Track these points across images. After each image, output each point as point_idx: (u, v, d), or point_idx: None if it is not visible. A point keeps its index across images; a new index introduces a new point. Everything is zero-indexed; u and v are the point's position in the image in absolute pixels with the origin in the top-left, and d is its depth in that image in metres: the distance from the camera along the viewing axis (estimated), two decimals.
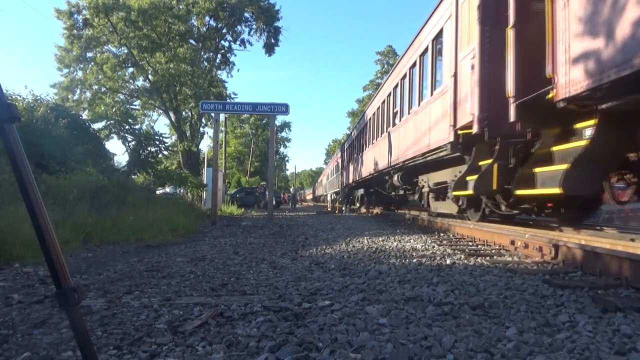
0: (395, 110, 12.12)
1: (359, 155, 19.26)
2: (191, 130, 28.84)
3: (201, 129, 30.13)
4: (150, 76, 26.43)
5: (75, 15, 24.81)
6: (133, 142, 13.83)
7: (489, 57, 5.98)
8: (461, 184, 6.87)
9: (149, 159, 13.87)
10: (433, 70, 8.67)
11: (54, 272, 1.13)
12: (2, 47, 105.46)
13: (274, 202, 19.94)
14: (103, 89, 26.41)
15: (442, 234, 7.25)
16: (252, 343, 1.96)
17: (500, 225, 6.76)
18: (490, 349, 1.83)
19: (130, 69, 27.52)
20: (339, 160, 28.59)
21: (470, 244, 5.86)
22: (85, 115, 16.58)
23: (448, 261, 4.26)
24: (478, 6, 6.13)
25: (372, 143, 15.74)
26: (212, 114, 17.57)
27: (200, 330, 2.20)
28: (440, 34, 8.06)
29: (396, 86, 11.97)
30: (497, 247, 5.27)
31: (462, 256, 4.58)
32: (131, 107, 26.78)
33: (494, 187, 5.93)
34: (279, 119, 42.85)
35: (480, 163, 6.56)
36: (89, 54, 26.24)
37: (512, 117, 5.12)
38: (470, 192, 6.50)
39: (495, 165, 5.97)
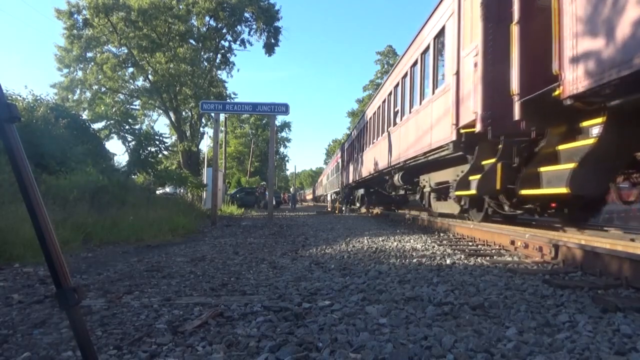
0: (396, 110, 12.05)
1: (359, 155, 19.24)
2: (191, 130, 28.85)
3: (201, 129, 30.19)
4: (150, 76, 26.43)
5: (75, 15, 24.84)
6: (133, 142, 13.83)
7: (492, 55, 5.88)
8: (463, 183, 6.79)
9: (149, 159, 13.86)
10: (435, 69, 8.59)
11: (54, 272, 1.13)
12: (2, 47, 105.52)
13: (274, 202, 19.94)
14: (103, 89, 26.42)
15: (442, 234, 7.25)
16: (252, 343, 1.96)
17: (500, 225, 6.75)
18: (490, 349, 1.83)
19: (130, 69, 27.55)
20: (339, 160, 28.59)
21: (470, 244, 5.86)
22: (85, 115, 16.61)
23: (448, 261, 4.26)
24: (481, 3, 6.02)
25: (373, 143, 15.69)
26: (212, 114, 17.57)
27: (200, 330, 2.20)
28: (442, 31, 7.98)
29: (397, 85, 11.89)
30: (497, 247, 5.27)
31: (462, 256, 4.58)
32: (131, 107, 26.81)
33: (498, 186, 5.84)
34: (279, 119, 42.88)
35: (483, 162, 6.48)
36: (89, 54, 26.26)
37: (516, 115, 5.03)
38: (473, 192, 6.41)
39: (499, 165, 5.87)
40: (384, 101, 13.75)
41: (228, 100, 27.73)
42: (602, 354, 1.78)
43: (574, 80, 4.11)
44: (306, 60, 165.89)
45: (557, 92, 4.35)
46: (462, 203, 7.90)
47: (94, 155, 12.07)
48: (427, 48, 8.97)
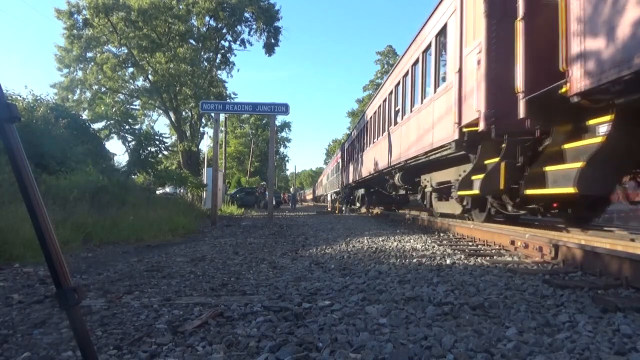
0: (396, 109, 11.97)
1: (359, 155, 19.22)
2: (191, 130, 28.85)
3: (201, 129, 30.19)
4: (150, 76, 26.44)
5: (75, 15, 24.84)
6: (133, 142, 13.84)
7: (496, 52, 5.80)
8: (466, 183, 6.71)
9: (149, 159, 13.87)
10: (437, 67, 8.51)
11: (54, 272, 1.13)
12: (2, 47, 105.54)
13: (274, 202, 19.94)
14: (103, 89, 26.43)
15: (442, 234, 7.24)
16: (252, 343, 1.96)
17: (500, 225, 6.73)
18: (490, 349, 1.83)
19: (130, 69, 27.55)
20: (339, 160, 28.59)
21: (470, 244, 5.86)
22: (85, 115, 16.62)
23: (448, 261, 4.26)
24: None
25: (373, 142, 15.63)
26: (212, 114, 17.57)
27: (200, 330, 2.20)
28: (444, 29, 7.90)
29: (398, 84, 11.80)
30: (497, 247, 5.26)
31: (462, 256, 4.58)
32: (131, 107, 26.82)
33: (501, 186, 5.76)
34: (279, 119, 42.89)
35: (486, 162, 6.41)
36: (89, 54, 26.27)
37: (521, 113, 4.94)
38: (476, 191, 6.33)
39: (503, 164, 5.79)
40: (384, 100, 13.68)
41: (228, 100, 27.74)
42: (602, 354, 1.78)
43: (581, 76, 4.01)
44: (306, 60, 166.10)
45: (563, 90, 4.25)
46: (465, 203, 7.82)
47: (94, 155, 12.07)
48: (429, 46, 8.89)
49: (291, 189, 49.68)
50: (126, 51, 25.97)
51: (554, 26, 4.47)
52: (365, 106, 22.96)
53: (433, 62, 8.65)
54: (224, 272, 3.95)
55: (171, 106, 27.28)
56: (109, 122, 13.83)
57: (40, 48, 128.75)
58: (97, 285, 3.35)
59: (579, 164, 4.30)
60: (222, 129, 29.29)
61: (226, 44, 29.16)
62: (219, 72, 29.74)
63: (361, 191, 21.14)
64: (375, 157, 15.11)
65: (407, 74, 10.78)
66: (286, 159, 71.40)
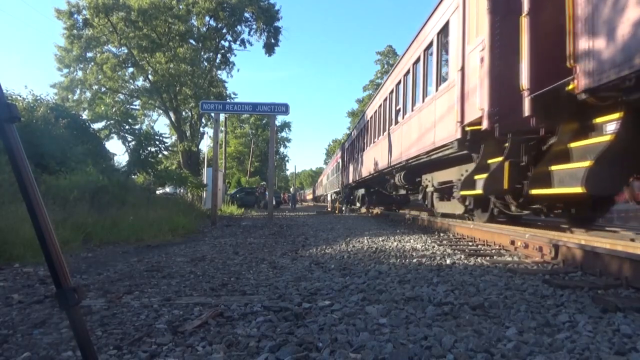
0: (397, 108, 11.88)
1: (359, 155, 19.19)
2: (191, 130, 28.85)
3: (201, 129, 30.19)
4: (150, 76, 26.44)
5: (75, 15, 24.85)
6: (133, 142, 13.84)
7: (499, 49, 5.67)
8: (469, 183, 6.61)
9: (149, 159, 13.87)
10: (438, 65, 8.42)
11: (54, 272, 1.13)
12: (2, 47, 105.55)
13: (274, 202, 19.94)
14: (103, 89, 26.43)
15: (442, 234, 7.24)
16: (252, 343, 1.96)
17: (500, 225, 6.72)
18: (490, 349, 1.83)
19: (130, 69, 27.56)
20: (339, 160, 28.59)
21: (470, 244, 5.86)
22: (85, 115, 16.62)
23: (448, 261, 4.26)
24: None
25: (374, 142, 15.58)
26: (212, 114, 17.56)
27: (200, 330, 2.20)
28: (446, 26, 7.81)
29: (399, 83, 11.71)
30: (497, 247, 5.26)
31: (462, 256, 4.57)
32: (131, 107, 26.82)
33: (505, 186, 5.66)
34: (279, 119, 42.90)
35: (489, 161, 6.31)
36: (89, 54, 26.27)
37: (526, 111, 4.83)
38: (479, 191, 6.22)
39: (507, 163, 5.68)
40: (385, 99, 13.61)
41: (228, 100, 27.74)
42: (602, 354, 1.78)
43: (589, 73, 3.89)
44: (306, 60, 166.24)
45: (570, 87, 4.14)
46: (467, 203, 7.74)
47: (94, 155, 12.08)
48: (430, 44, 8.80)
49: (291, 189, 49.71)
50: (126, 51, 25.97)
51: (560, 22, 4.34)
52: (366, 106, 22.94)
53: (435, 61, 8.54)
54: (224, 272, 3.95)
55: (171, 106, 27.29)
56: (109, 122, 13.83)
57: (40, 48, 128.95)
58: (97, 285, 3.35)
59: (586, 163, 4.18)
60: (222, 129, 29.30)
61: (226, 44, 29.21)
62: (219, 72, 29.79)
63: (361, 191, 21.14)
64: (375, 157, 15.07)
65: (408, 72, 10.68)
66: (286, 159, 71.52)
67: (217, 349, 1.91)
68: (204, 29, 27.57)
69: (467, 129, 6.66)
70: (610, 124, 4.29)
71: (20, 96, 11.25)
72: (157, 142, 14.18)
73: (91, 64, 26.21)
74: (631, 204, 5.10)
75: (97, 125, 13.88)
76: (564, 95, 4.29)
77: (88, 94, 26.74)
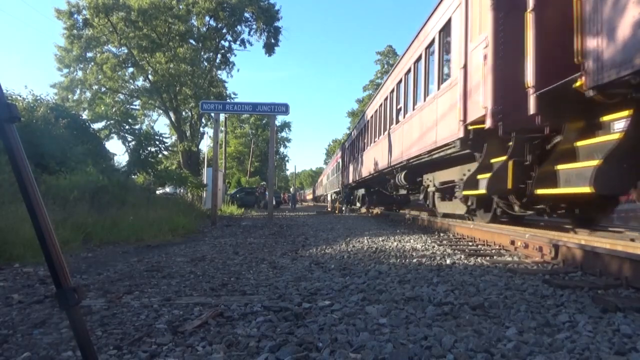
0: (398, 107, 11.79)
1: (360, 155, 19.16)
2: (191, 130, 28.86)
3: (201, 129, 30.21)
4: (150, 76, 26.45)
5: (75, 15, 24.86)
6: (133, 142, 13.84)
7: (503, 46, 5.56)
8: (471, 183, 6.53)
9: (149, 159, 13.87)
10: (440, 63, 8.29)
11: (54, 272, 1.13)
12: (2, 47, 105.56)
13: (274, 202, 19.94)
14: (103, 89, 26.44)
15: (442, 234, 7.24)
16: (252, 343, 1.97)
17: (500, 225, 6.71)
18: (490, 349, 1.83)
19: (130, 69, 27.57)
20: (339, 160, 28.59)
21: (470, 244, 5.85)
22: (85, 115, 16.62)
23: (448, 261, 4.26)
24: None
25: (374, 142, 15.52)
26: (212, 114, 17.56)
27: (200, 330, 2.20)
28: (448, 24, 7.69)
29: (399, 82, 11.61)
30: (497, 247, 5.26)
31: (462, 256, 4.58)
32: (131, 107, 26.84)
33: (509, 186, 5.56)
34: (279, 119, 42.90)
35: (492, 160, 6.22)
36: (89, 54, 26.29)
37: (531, 109, 4.72)
38: (482, 191, 6.13)
39: (511, 163, 5.60)
40: (385, 99, 13.53)
41: (228, 100, 27.74)
42: (602, 354, 1.78)
43: (598, 69, 3.78)
44: (306, 60, 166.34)
45: (578, 83, 4.04)
46: (469, 203, 7.66)
47: (94, 155, 12.08)
48: (432, 42, 8.71)
49: (291, 189, 49.71)
50: (126, 51, 25.98)
51: (566, 17, 4.25)
52: (366, 106, 22.92)
53: (437, 59, 8.45)
54: (224, 272, 3.95)
55: (171, 106, 27.29)
56: (109, 122, 13.83)
57: (40, 48, 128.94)
58: (97, 285, 3.35)
59: (594, 162, 4.08)
60: (222, 129, 29.30)
61: (226, 44, 29.22)
62: (219, 72, 29.81)
63: (361, 191, 21.14)
64: (376, 157, 15.04)
65: (409, 71, 10.60)
66: (286, 159, 71.55)
67: (217, 349, 1.91)
68: (204, 29, 27.58)
69: (470, 127, 6.57)
70: (618, 122, 4.21)
71: (20, 96, 11.26)
72: (157, 142, 14.19)
73: (91, 64, 26.22)
74: (638, 203, 5.02)
75: (97, 125, 13.91)
76: (571, 92, 4.18)
77: (88, 94, 26.78)
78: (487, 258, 4.41)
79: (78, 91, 27.27)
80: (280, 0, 65.19)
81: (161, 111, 29.63)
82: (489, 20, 5.77)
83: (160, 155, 15.18)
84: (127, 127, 14.08)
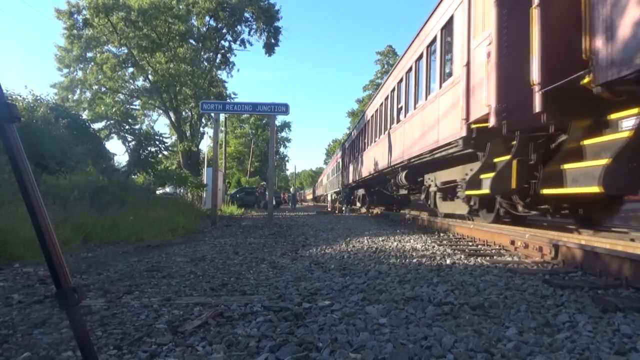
0: (399, 106, 11.70)
1: (360, 155, 19.13)
2: (191, 130, 28.87)
3: (201, 129, 30.23)
4: (150, 76, 26.46)
5: (75, 15, 24.87)
6: (133, 142, 13.84)
7: (507, 43, 5.45)
8: (474, 182, 6.45)
9: (149, 159, 13.87)
10: (442, 61, 8.20)
11: (54, 272, 1.13)
12: (2, 47, 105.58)
13: (274, 202, 19.94)
14: (103, 89, 26.45)
15: (442, 234, 7.24)
16: (252, 343, 1.97)
17: (500, 225, 6.71)
18: (490, 349, 1.83)
19: (130, 69, 27.59)
20: (340, 160, 28.58)
21: (470, 244, 5.85)
22: (85, 115, 16.64)
23: (448, 261, 4.26)
24: None
25: (374, 141, 15.47)
26: (212, 114, 17.56)
27: (200, 330, 2.20)
28: (450, 21, 7.60)
29: (400, 80, 11.52)
30: (497, 247, 5.26)
31: (462, 256, 4.57)
32: (131, 107, 26.84)
33: (513, 185, 5.48)
34: (279, 119, 42.91)
35: (496, 160, 6.15)
36: (89, 54, 26.31)
37: (537, 107, 4.63)
38: (486, 191, 6.04)
39: (515, 162, 5.50)
40: (386, 98, 13.44)
41: (228, 100, 27.75)
42: (602, 354, 1.78)
43: (607, 65, 3.69)
44: (306, 60, 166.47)
45: (586, 80, 3.95)
46: (472, 203, 7.58)
47: (94, 155, 12.08)
48: (434, 40, 8.64)
49: (291, 189, 49.72)
50: (126, 51, 25.99)
51: (572, 13, 4.18)
52: (366, 106, 22.90)
53: (438, 57, 8.37)
54: (224, 272, 3.95)
55: (171, 106, 27.30)
56: (109, 122, 13.84)
57: (41, 48, 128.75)
58: (97, 285, 3.35)
59: (603, 161, 3.98)
60: (222, 129, 29.30)
61: (226, 44, 29.24)
62: (219, 72, 29.83)
63: (361, 191, 21.13)
64: (376, 157, 14.99)
65: (410, 70, 10.51)
66: (286, 159, 71.57)
67: (217, 349, 1.91)
68: (204, 29, 27.59)
69: (473, 126, 6.48)
70: (627, 119, 4.13)
71: (20, 96, 11.27)
72: (157, 142, 14.19)
73: (91, 64, 26.23)
74: None
75: (97, 125, 13.92)
76: (578, 90, 4.11)
77: (88, 94, 26.80)
78: (487, 258, 4.41)
79: (78, 91, 27.32)
80: (280, 0, 65.29)
81: (161, 111, 29.65)
82: (492, 16, 5.66)
83: (160, 155, 15.18)
84: (127, 127, 14.08)
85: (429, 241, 6.13)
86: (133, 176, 13.78)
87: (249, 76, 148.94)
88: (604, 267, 3.29)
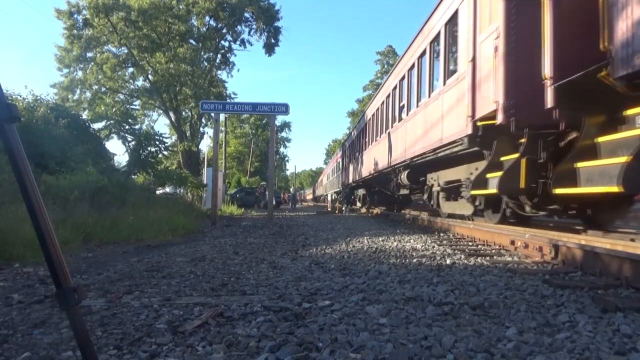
0: (401, 104, 11.51)
1: (360, 154, 19.07)
2: (191, 130, 28.89)
3: (201, 129, 30.26)
4: (150, 76, 26.47)
5: (75, 15, 24.89)
6: (133, 142, 13.84)
7: (516, 36, 5.24)
8: (480, 182, 6.26)
9: (149, 159, 13.87)
10: (446, 57, 7.97)
11: (54, 272, 1.13)
12: (2, 47, 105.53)
13: (274, 202, 19.94)
14: (103, 89, 26.47)
15: (442, 234, 7.24)
16: (252, 343, 1.96)
17: (500, 225, 6.70)
18: (490, 349, 1.83)
19: (130, 69, 27.61)
20: (340, 160, 28.57)
21: (470, 244, 5.85)
22: (85, 115, 16.64)
23: (448, 261, 4.26)
24: None
25: (375, 141, 15.33)
26: (212, 114, 17.56)
27: (200, 330, 2.20)
28: (454, 16, 7.39)
29: (402, 78, 11.34)
30: (497, 247, 5.26)
31: (462, 256, 4.57)
32: (131, 107, 26.84)
33: (522, 185, 5.29)
34: (279, 119, 42.92)
35: (502, 159, 5.94)
36: (89, 54, 26.33)
37: (549, 102, 4.43)
38: (493, 190, 5.85)
39: (524, 161, 5.31)
40: (387, 96, 13.24)
41: (228, 100, 27.75)
42: (602, 354, 1.78)
43: (628, 56, 3.48)
44: (306, 60, 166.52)
45: (603, 73, 3.78)
46: (477, 203, 7.43)
47: (94, 155, 12.09)
48: (437, 36, 8.46)
49: (291, 189, 49.71)
50: (126, 51, 26.01)
51: (587, 1, 4.01)
52: (366, 106, 22.87)
53: (442, 53, 8.15)
54: (224, 272, 3.95)
55: (171, 106, 27.31)
56: (109, 122, 13.84)
57: (41, 48, 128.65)
58: (97, 285, 3.35)
59: (622, 159, 3.77)
60: (222, 129, 29.29)
61: (226, 44, 29.27)
62: (219, 72, 29.85)
63: (362, 191, 21.11)
64: (376, 156, 14.89)
65: (412, 67, 10.33)
66: (286, 159, 71.61)
67: (217, 349, 1.91)
68: (204, 29, 27.60)
69: (479, 123, 6.27)
70: None
71: (20, 96, 11.27)
72: (157, 142, 14.19)
73: (91, 64, 26.26)
74: None
75: (97, 125, 13.92)
76: (592, 84, 3.96)
77: (88, 94, 26.83)
78: (487, 258, 4.41)
79: (78, 91, 27.35)
80: (281, 0, 65.30)
81: (161, 111, 29.67)
82: (500, 9, 5.47)
83: (160, 155, 15.18)
84: (127, 127, 14.09)
85: (429, 241, 6.13)
86: (133, 176, 13.79)
87: (249, 76, 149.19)
88: (604, 267, 3.29)
